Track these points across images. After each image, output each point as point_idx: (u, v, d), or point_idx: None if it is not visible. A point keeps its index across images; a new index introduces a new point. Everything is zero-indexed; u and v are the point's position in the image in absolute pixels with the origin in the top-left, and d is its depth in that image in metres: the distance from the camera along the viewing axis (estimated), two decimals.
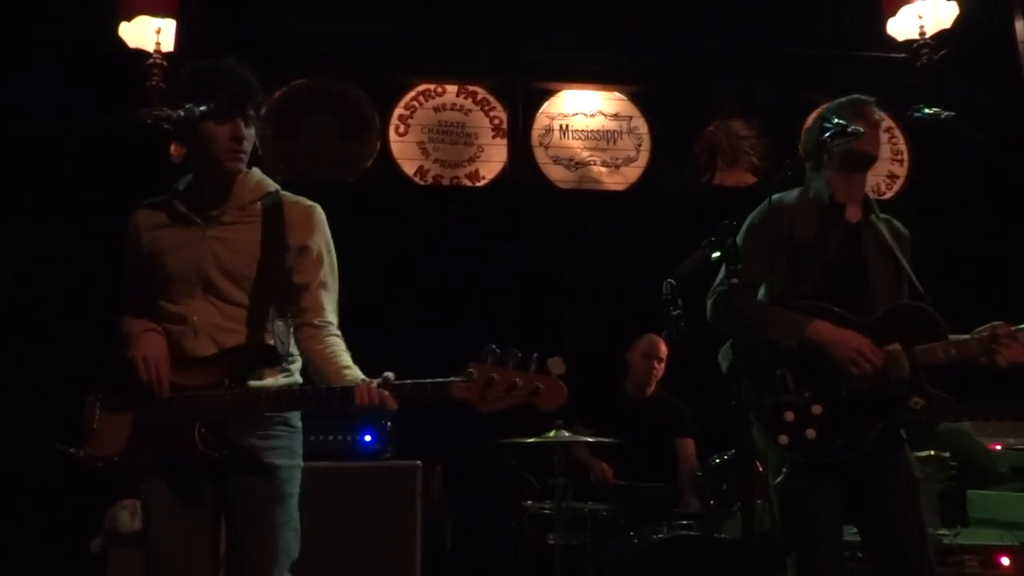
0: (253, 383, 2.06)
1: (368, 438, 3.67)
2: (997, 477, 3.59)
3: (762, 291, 2.53)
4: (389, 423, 3.75)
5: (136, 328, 2.07)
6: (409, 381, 1.93)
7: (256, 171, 2.20)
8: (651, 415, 4.21)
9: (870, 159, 2.52)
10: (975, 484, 3.49)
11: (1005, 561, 2.94)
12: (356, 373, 2.01)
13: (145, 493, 2.07)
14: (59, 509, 3.90)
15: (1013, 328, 2.30)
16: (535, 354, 1.87)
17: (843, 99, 2.54)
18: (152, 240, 2.13)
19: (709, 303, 2.48)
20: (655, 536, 3.26)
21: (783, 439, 2.29)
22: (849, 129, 2.32)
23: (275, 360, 2.09)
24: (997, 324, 2.31)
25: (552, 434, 3.48)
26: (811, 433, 2.28)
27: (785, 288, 2.45)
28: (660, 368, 4.28)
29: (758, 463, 3.25)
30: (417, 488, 3.50)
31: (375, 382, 1.92)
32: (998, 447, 3.67)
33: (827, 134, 2.34)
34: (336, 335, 2.12)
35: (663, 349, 4.27)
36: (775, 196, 2.51)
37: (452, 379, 1.88)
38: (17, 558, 3.98)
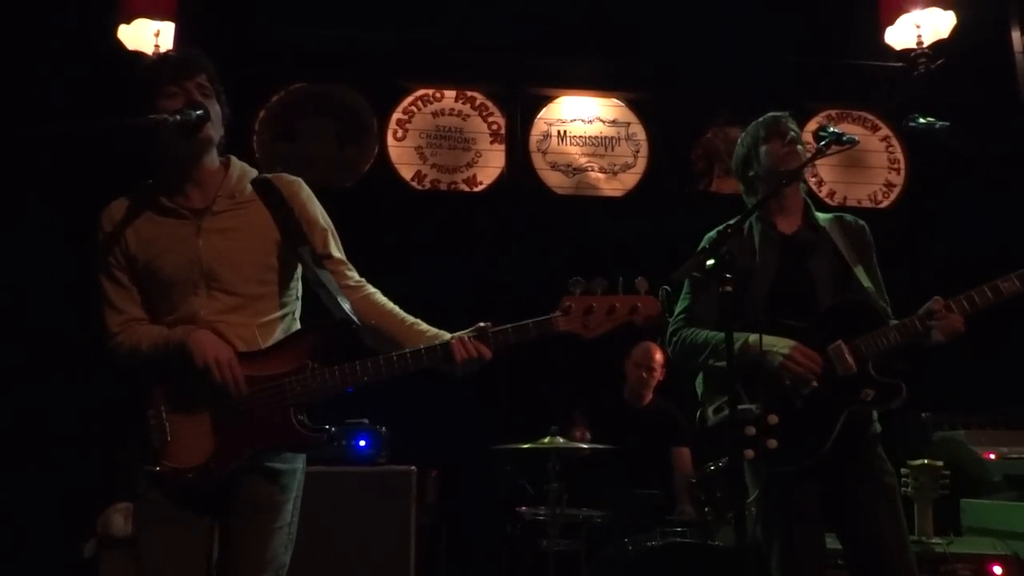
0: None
1: (363, 443, 3.67)
2: (991, 486, 3.59)
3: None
4: (383, 428, 3.75)
5: (178, 333, 1.97)
6: (509, 325, 1.97)
7: (235, 160, 2.15)
8: (647, 423, 4.21)
9: (794, 173, 2.51)
10: (969, 493, 3.49)
11: (998, 570, 2.94)
12: (425, 326, 2.06)
13: (140, 497, 2.02)
14: (52, 512, 3.89)
15: (947, 301, 2.31)
16: (620, 278, 1.96)
17: (761, 119, 2.62)
18: (137, 238, 2.04)
19: (667, 341, 2.59)
20: (649, 543, 3.26)
21: (749, 453, 2.32)
22: (844, 138, 2.33)
23: (350, 332, 2.04)
24: (934, 299, 2.32)
25: (547, 440, 3.48)
26: (772, 443, 2.32)
27: (737, 314, 2.42)
28: (654, 377, 4.28)
29: None
30: (412, 493, 3.50)
31: (468, 333, 1.96)
32: (992, 456, 3.67)
33: (822, 143, 2.36)
34: (375, 290, 2.15)
35: (658, 357, 4.27)
36: (709, 234, 2.54)
37: (551, 315, 1.95)
38: (10, 562, 3.97)
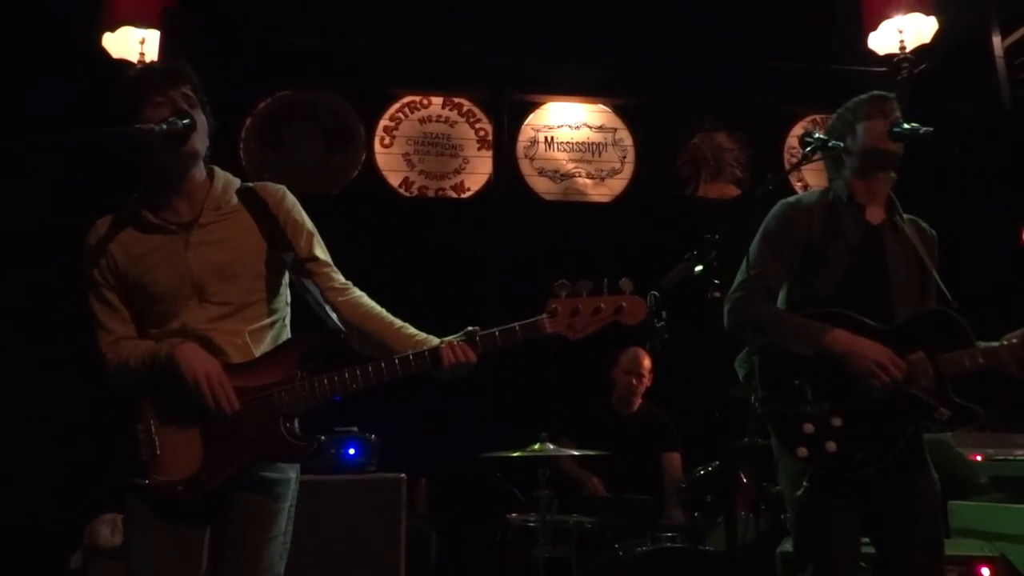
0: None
1: (352, 451, 3.66)
2: (978, 488, 3.60)
3: (782, 296, 2.44)
4: (373, 436, 3.74)
5: (166, 346, 1.97)
6: (497, 329, 1.99)
7: (218, 170, 2.15)
8: (637, 429, 4.22)
9: (893, 158, 2.40)
10: (956, 495, 3.50)
11: (985, 572, 2.95)
12: (413, 329, 2.06)
13: (130, 509, 2.02)
14: (39, 524, 3.86)
15: None
16: (604, 279, 1.99)
17: (863, 96, 2.44)
18: (126, 256, 2.03)
19: (726, 308, 2.36)
20: (639, 548, 3.25)
21: (802, 451, 2.19)
22: (830, 144, 2.32)
23: (338, 342, 2.06)
24: None
25: (536, 447, 3.48)
26: (831, 446, 2.18)
27: (803, 293, 2.37)
28: (643, 383, 4.28)
29: (742, 474, 3.27)
30: (402, 501, 3.49)
31: (456, 338, 1.98)
32: (978, 458, 3.68)
33: (807, 148, 2.35)
34: (361, 293, 2.15)
35: (645, 363, 4.27)
36: (791, 198, 2.43)
37: (538, 317, 1.97)
38: None
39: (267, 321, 2.10)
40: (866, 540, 2.34)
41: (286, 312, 2.19)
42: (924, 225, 2.52)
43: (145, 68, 2.07)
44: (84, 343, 2.08)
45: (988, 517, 3.27)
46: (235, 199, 2.11)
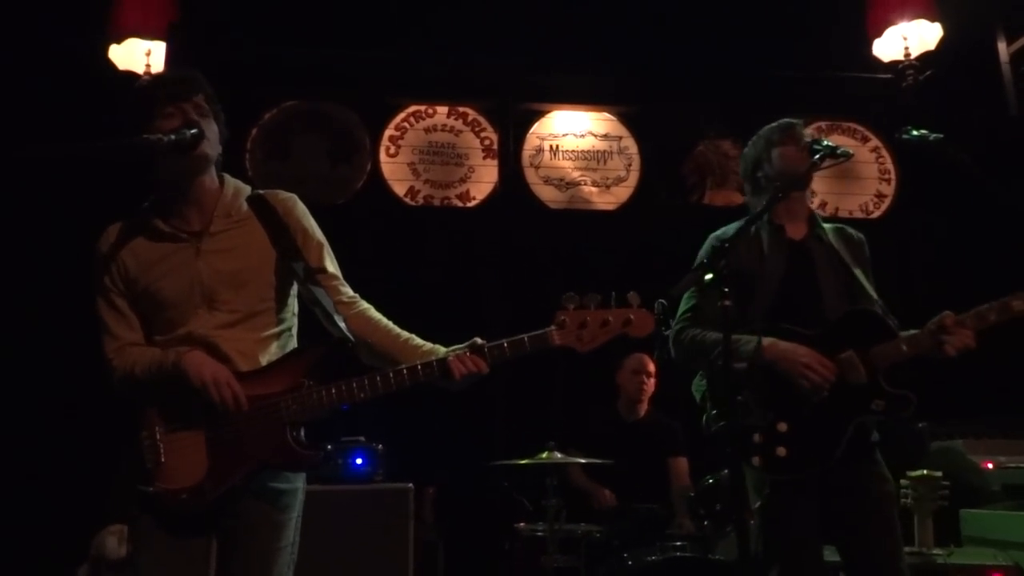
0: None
1: (359, 461, 3.65)
2: (989, 495, 3.58)
3: None
4: (380, 445, 3.73)
5: (172, 354, 1.96)
6: (505, 340, 1.98)
7: (229, 178, 2.15)
8: (644, 436, 4.20)
9: (805, 179, 2.55)
10: (968, 503, 3.48)
11: None
12: (420, 340, 2.07)
13: (134, 520, 2.01)
14: (46, 535, 3.85)
15: (960, 315, 2.32)
16: (612, 292, 2.00)
17: (774, 124, 2.64)
18: (137, 263, 2.03)
19: (670, 341, 2.56)
20: (649, 558, 3.23)
21: (756, 460, 2.32)
22: (839, 152, 2.35)
23: (346, 351, 2.04)
24: (945, 314, 2.33)
25: (544, 455, 3.47)
26: (781, 451, 2.31)
27: (740, 316, 2.44)
28: (650, 384, 4.28)
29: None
30: (409, 510, 3.48)
31: (462, 349, 1.98)
32: (990, 465, 3.67)
33: (816, 156, 2.37)
34: (368, 306, 2.15)
35: (651, 366, 4.27)
36: (716, 233, 2.56)
37: (547, 329, 1.98)
38: None
39: (275, 330, 2.09)
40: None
41: (293, 323, 2.19)
42: (850, 231, 2.66)
43: (157, 77, 2.10)
44: (92, 351, 2.08)
45: (1000, 525, 3.25)
46: (245, 206, 2.10)
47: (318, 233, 2.17)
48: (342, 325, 2.03)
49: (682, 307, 2.60)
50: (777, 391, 2.35)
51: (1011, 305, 2.29)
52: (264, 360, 2.04)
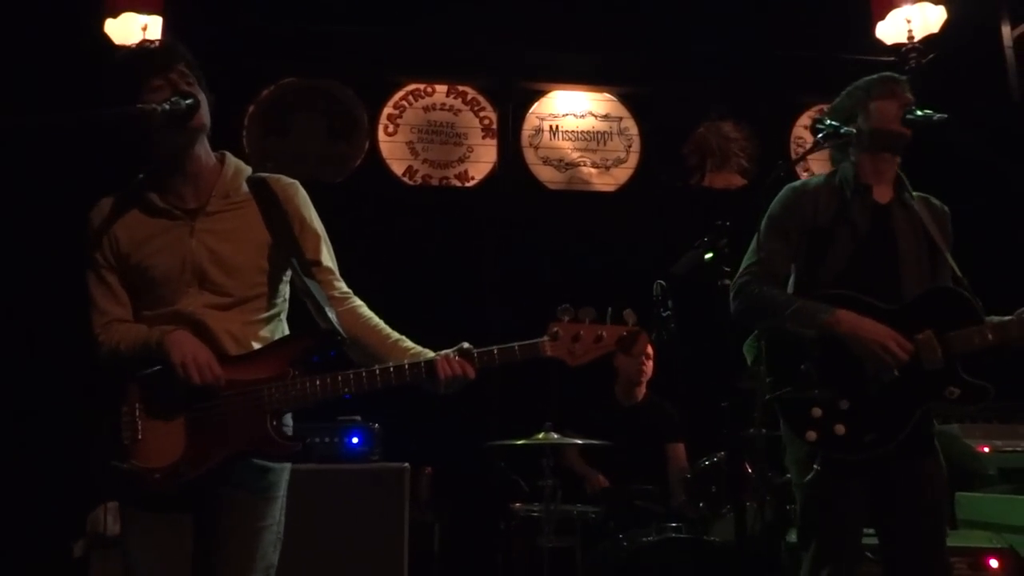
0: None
1: (356, 440, 3.64)
2: (985, 479, 3.60)
3: (791, 280, 2.42)
4: (377, 424, 3.72)
5: (156, 333, 1.93)
6: (495, 348, 1.96)
7: (230, 156, 2.12)
8: (641, 419, 4.20)
9: (900, 138, 2.38)
10: (963, 486, 3.49)
11: (994, 563, 2.94)
12: (409, 343, 2.04)
13: (123, 496, 2.00)
14: (41, 512, 3.85)
15: None
16: (608, 308, 1.97)
17: (873, 76, 2.43)
18: (129, 238, 2.00)
19: (732, 292, 2.35)
20: (644, 539, 3.25)
21: (811, 435, 2.18)
22: (842, 131, 2.30)
23: (336, 344, 2.01)
24: None
25: (541, 436, 3.46)
26: (840, 429, 2.17)
27: (811, 276, 2.34)
28: (649, 367, 4.27)
29: (747, 465, 3.25)
30: (405, 490, 3.47)
31: (452, 352, 1.95)
32: (986, 449, 3.68)
33: (819, 135, 2.33)
34: (361, 303, 2.13)
35: (649, 348, 4.26)
36: (796, 183, 2.40)
37: (539, 340, 1.95)
38: (0, 562, 3.93)
39: (265, 315, 2.07)
40: (870, 532, 2.34)
41: (284, 307, 2.16)
42: (936, 202, 2.49)
43: (137, 50, 2.00)
44: (86, 327, 2.06)
45: (996, 508, 3.27)
46: (245, 188, 2.07)
47: (317, 224, 2.14)
48: (334, 319, 2.00)
49: (747, 257, 2.40)
50: (844, 366, 2.20)
51: None
52: (255, 343, 2.02)
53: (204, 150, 2.05)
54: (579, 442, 3.66)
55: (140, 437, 1.92)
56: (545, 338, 1.96)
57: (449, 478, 4.21)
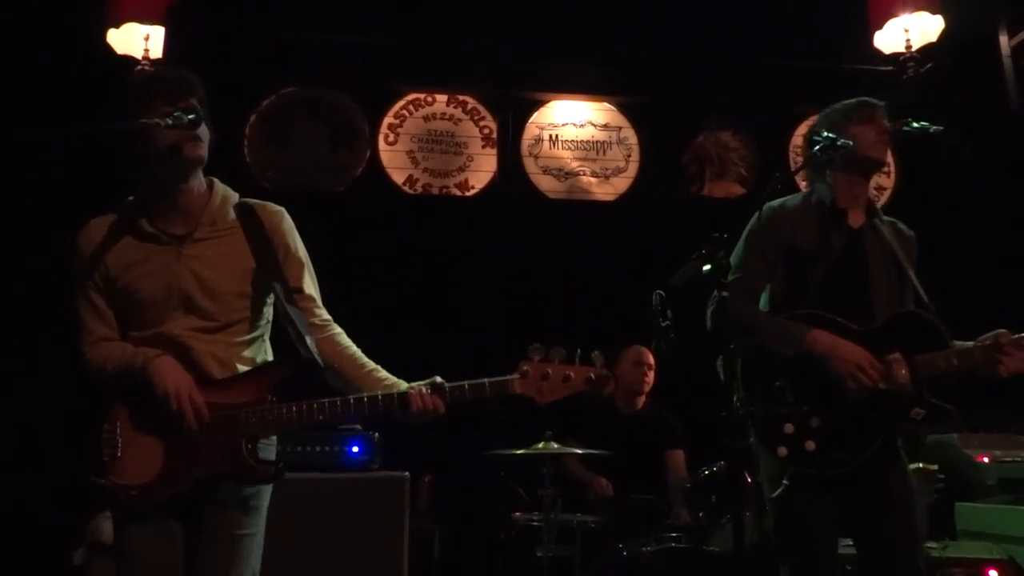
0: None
1: (355, 449, 3.64)
2: (985, 489, 3.59)
3: (764, 297, 2.49)
4: (376, 434, 3.73)
5: (141, 357, 2.00)
6: (466, 383, 2.03)
7: (218, 183, 2.17)
8: (642, 428, 4.20)
9: (877, 164, 2.47)
10: (963, 496, 3.49)
11: (993, 574, 2.94)
12: (384, 373, 2.11)
13: (115, 503, 2.06)
14: (41, 520, 3.85)
15: (1016, 336, 2.25)
16: (578, 350, 2.05)
17: (850, 101, 2.49)
18: (118, 262, 2.06)
19: (709, 311, 2.42)
20: (644, 549, 3.24)
21: (782, 451, 2.26)
22: (839, 143, 2.32)
23: (314, 372, 2.08)
24: (1000, 332, 2.26)
25: (541, 445, 3.47)
26: (810, 445, 2.24)
27: (785, 295, 2.41)
28: (651, 376, 4.28)
29: (747, 475, 3.25)
30: (405, 499, 3.47)
31: (423, 386, 2.02)
32: (986, 459, 3.68)
33: (816, 147, 2.34)
34: (340, 331, 2.18)
35: (651, 358, 4.27)
36: (775, 202, 2.47)
37: (509, 376, 2.03)
38: (0, 570, 3.93)
39: (248, 337, 2.13)
40: (849, 542, 2.42)
41: (267, 329, 2.22)
42: (902, 227, 2.57)
43: (153, 75, 2.08)
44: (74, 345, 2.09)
45: (996, 519, 3.26)
46: (232, 215, 2.12)
47: (301, 251, 2.19)
48: (312, 347, 2.07)
49: (731, 271, 2.38)
50: (817, 384, 2.28)
51: None
52: (239, 364, 2.08)
53: (197, 182, 2.10)
54: (579, 452, 3.66)
55: (119, 455, 1.99)
56: (515, 375, 2.03)
57: (449, 487, 4.21)
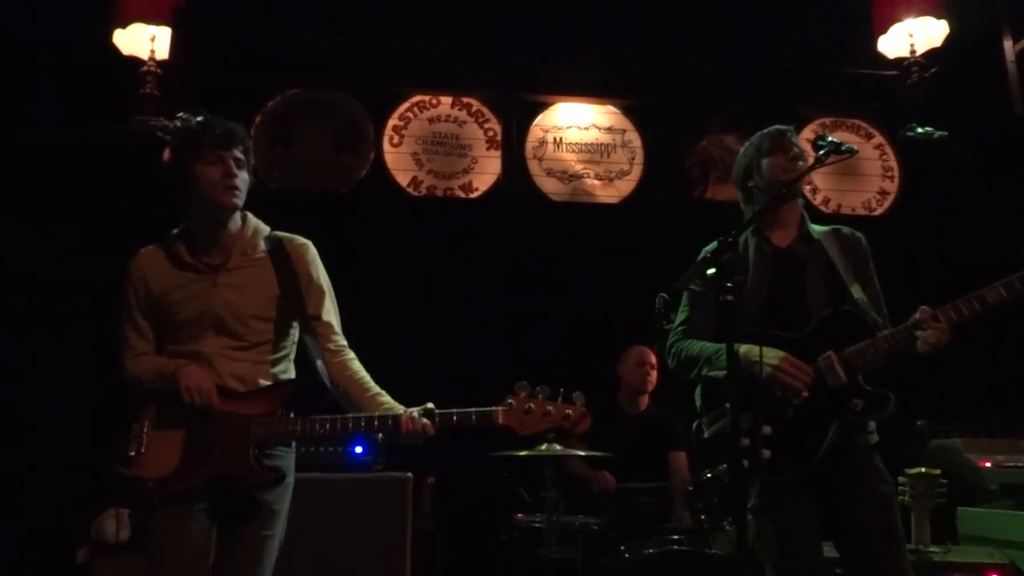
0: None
1: (359, 450, 3.66)
2: (987, 494, 3.60)
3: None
4: (380, 435, 3.73)
5: (172, 365, 2.24)
6: (454, 411, 2.23)
7: (251, 217, 2.39)
8: (644, 429, 4.21)
9: (796, 189, 2.58)
10: (965, 501, 3.49)
11: None
12: (387, 398, 2.30)
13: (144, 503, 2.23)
14: (45, 518, 3.87)
15: (936, 310, 2.30)
16: (561, 388, 2.26)
17: (765, 131, 2.63)
18: (160, 287, 2.30)
19: (667, 353, 2.63)
20: (646, 551, 3.25)
21: (744, 463, 2.30)
22: (843, 148, 2.33)
23: (323, 393, 2.32)
24: (920, 309, 2.31)
25: (543, 447, 3.47)
26: (766, 453, 2.29)
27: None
28: (654, 376, 4.29)
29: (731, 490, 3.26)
30: (408, 500, 3.48)
31: (415, 411, 2.21)
32: (988, 464, 3.68)
33: (821, 152, 2.36)
34: (353, 357, 2.38)
35: (653, 357, 4.28)
36: (705, 249, 2.55)
37: (494, 408, 2.23)
38: (3, 568, 3.94)
39: (273, 356, 2.36)
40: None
41: (292, 349, 2.44)
42: (844, 231, 2.64)
43: (206, 123, 2.23)
44: (95, 339, 2.16)
45: (997, 524, 3.27)
46: (263, 246, 2.36)
47: (323, 280, 2.41)
48: (322, 371, 2.33)
49: (676, 320, 2.66)
50: (761, 396, 2.35)
51: (985, 296, 2.28)
52: (262, 381, 2.31)
53: (233, 221, 2.35)
54: (581, 454, 3.67)
55: (143, 450, 2.21)
56: (501, 407, 2.23)
57: (452, 488, 4.21)
